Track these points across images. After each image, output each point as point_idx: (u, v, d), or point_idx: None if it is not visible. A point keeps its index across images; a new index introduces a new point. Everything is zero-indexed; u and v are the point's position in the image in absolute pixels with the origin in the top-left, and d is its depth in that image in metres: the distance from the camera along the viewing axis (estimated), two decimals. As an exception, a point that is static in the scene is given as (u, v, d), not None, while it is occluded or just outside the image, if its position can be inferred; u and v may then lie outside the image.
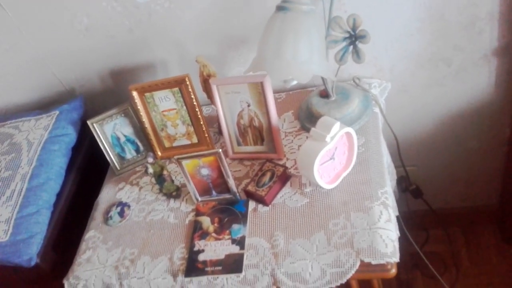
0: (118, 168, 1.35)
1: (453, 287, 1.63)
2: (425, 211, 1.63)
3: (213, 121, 1.38)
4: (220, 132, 1.32)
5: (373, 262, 0.93)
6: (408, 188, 1.56)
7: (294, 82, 0.99)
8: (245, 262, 1.01)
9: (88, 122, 1.31)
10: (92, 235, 1.21)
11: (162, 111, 1.28)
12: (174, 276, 1.05)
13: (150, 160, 1.19)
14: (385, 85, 1.32)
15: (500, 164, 1.53)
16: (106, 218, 1.23)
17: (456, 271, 1.66)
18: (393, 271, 0.94)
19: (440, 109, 1.40)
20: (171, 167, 1.31)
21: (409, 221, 1.41)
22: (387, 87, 1.32)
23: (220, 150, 1.07)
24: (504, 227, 1.68)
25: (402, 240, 1.05)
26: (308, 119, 1.24)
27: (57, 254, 1.20)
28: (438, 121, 1.43)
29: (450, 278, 1.64)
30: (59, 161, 1.31)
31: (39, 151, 1.31)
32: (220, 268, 1.02)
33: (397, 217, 1.28)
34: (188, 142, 1.31)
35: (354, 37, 1.04)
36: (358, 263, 0.94)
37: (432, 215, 1.64)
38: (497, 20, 1.17)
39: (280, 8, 0.97)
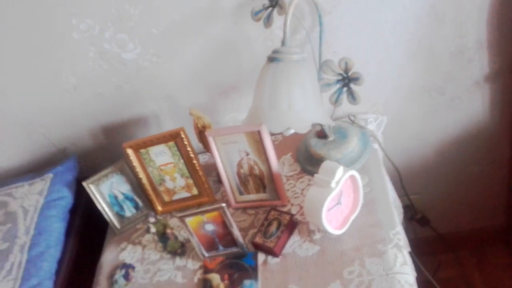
0: (119, 228, 1.32)
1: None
2: (433, 237, 1.61)
3: (211, 169, 1.35)
4: (219, 181, 1.30)
5: (395, 310, 0.90)
6: (414, 217, 1.54)
7: (292, 131, 0.98)
8: (261, 320, 0.98)
9: (84, 184, 1.28)
10: (98, 302, 1.16)
11: (159, 166, 1.26)
12: None
13: (152, 220, 1.16)
14: (381, 119, 1.31)
15: (503, 184, 1.52)
16: (112, 283, 1.18)
17: (471, 298, 1.63)
18: (415, 318, 0.91)
19: (437, 137, 1.40)
20: (173, 221, 1.27)
21: (418, 248, 1.39)
22: (383, 120, 1.32)
23: (224, 205, 1.05)
24: (513, 245, 1.67)
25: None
26: (308, 161, 1.23)
27: (63, 326, 1.16)
28: (437, 148, 1.43)
29: (466, 304, 1.62)
30: (58, 227, 1.27)
31: (36, 218, 1.27)
32: (235, 329, 0.99)
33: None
34: (188, 194, 1.29)
35: (348, 80, 1.03)
36: (379, 313, 0.91)
37: (440, 241, 1.62)
38: (486, 48, 1.18)
39: (271, 59, 0.96)
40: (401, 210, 1.32)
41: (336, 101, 1.09)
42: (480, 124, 1.34)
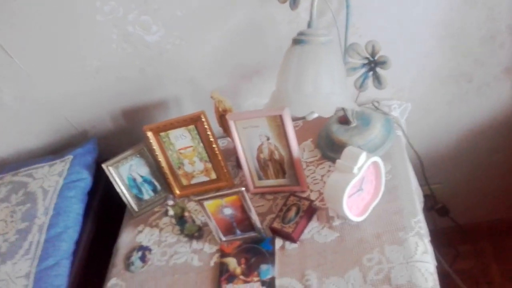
0: (136, 210, 1.32)
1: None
2: (452, 227, 1.58)
3: (230, 154, 1.34)
4: (238, 166, 1.29)
5: (415, 299, 0.88)
6: (434, 207, 1.51)
7: (316, 115, 0.95)
8: (278, 305, 0.97)
9: (103, 166, 1.28)
10: (114, 283, 1.17)
11: (179, 149, 1.25)
12: (204, 324, 1.01)
13: (170, 202, 1.15)
14: (405, 106, 1.28)
15: (527, 175, 1.48)
16: (128, 264, 1.19)
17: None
18: (435, 307, 0.89)
19: (463, 125, 1.36)
20: (191, 205, 1.27)
21: (436, 239, 1.36)
22: (408, 107, 1.28)
23: (243, 189, 1.04)
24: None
25: None
26: (329, 148, 1.20)
27: (80, 306, 1.17)
28: (461, 137, 1.39)
29: (483, 295, 1.59)
30: (76, 208, 1.28)
31: (55, 199, 1.28)
32: (252, 313, 0.98)
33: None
34: (207, 178, 1.28)
35: (374, 63, 1.00)
36: (398, 301, 0.89)
37: (459, 231, 1.59)
38: (518, 32, 1.14)
39: (297, 41, 0.94)
40: (421, 199, 1.29)
41: (361, 86, 1.06)
42: (507, 112, 1.30)
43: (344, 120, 1.19)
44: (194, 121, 1.19)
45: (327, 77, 0.92)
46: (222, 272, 1.07)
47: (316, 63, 0.91)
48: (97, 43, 1.23)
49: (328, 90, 0.91)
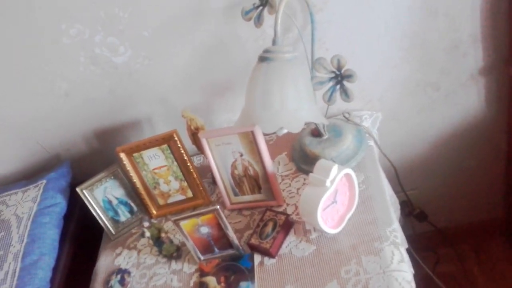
0: (113, 233, 1.30)
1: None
2: (431, 232, 1.60)
3: (206, 170, 1.34)
4: (214, 182, 1.29)
5: (393, 309, 0.89)
6: (412, 213, 1.53)
7: (285, 131, 0.96)
8: (258, 323, 0.97)
9: (77, 189, 1.26)
10: (94, 308, 1.15)
11: (153, 169, 1.24)
12: None
13: (146, 224, 1.15)
14: (375, 116, 1.30)
15: (500, 177, 1.51)
16: (107, 289, 1.17)
17: (472, 292, 1.62)
18: (413, 315, 0.90)
19: (434, 132, 1.39)
20: (168, 225, 1.26)
21: (417, 244, 1.38)
22: (378, 117, 1.30)
23: (218, 207, 1.03)
24: (513, 238, 1.66)
25: (412, 263, 1.01)
26: (303, 160, 1.21)
27: (60, 335, 1.14)
28: (433, 143, 1.42)
29: (466, 300, 1.61)
30: (52, 233, 1.25)
31: (29, 225, 1.25)
32: (233, 332, 0.97)
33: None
34: (183, 197, 1.27)
35: (341, 77, 1.02)
36: (377, 312, 0.90)
37: (439, 235, 1.61)
38: (480, 41, 1.17)
39: (262, 59, 0.95)
40: (398, 206, 1.31)
41: (329, 99, 1.07)
42: (476, 117, 1.33)
43: (316, 133, 1.21)
44: (167, 140, 1.18)
45: (293, 93, 0.92)
46: (202, 292, 1.06)
47: (282, 79, 0.92)
48: (64, 65, 1.22)
49: (295, 106, 0.92)
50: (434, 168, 1.49)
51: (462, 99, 1.29)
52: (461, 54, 1.19)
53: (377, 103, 1.31)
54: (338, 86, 1.04)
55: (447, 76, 1.24)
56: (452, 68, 1.22)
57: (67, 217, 1.33)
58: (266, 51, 0.94)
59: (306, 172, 1.19)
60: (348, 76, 1.00)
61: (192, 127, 1.19)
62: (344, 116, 1.25)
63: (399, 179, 1.36)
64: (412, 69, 1.23)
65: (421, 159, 1.46)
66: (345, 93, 1.03)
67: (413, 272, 0.99)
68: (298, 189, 1.18)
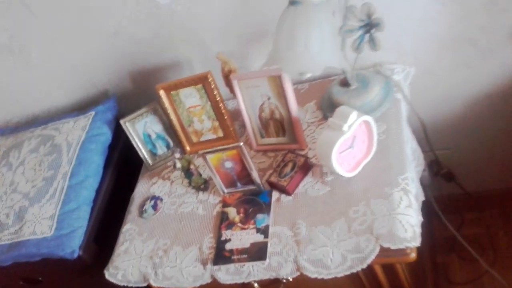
0: (151, 164, 1.42)
1: (491, 269, 1.60)
2: (460, 194, 1.60)
3: (238, 114, 1.40)
4: (244, 126, 1.35)
5: (393, 247, 0.94)
6: (439, 172, 1.54)
7: (309, 75, 1.00)
8: (269, 250, 1.05)
9: (121, 121, 1.38)
10: (129, 227, 1.28)
11: (188, 108, 1.33)
12: (204, 264, 1.11)
13: (177, 155, 1.25)
14: (408, 70, 1.30)
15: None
16: (141, 212, 1.30)
17: (494, 254, 1.62)
18: (413, 255, 0.95)
19: (468, 90, 1.37)
20: (199, 161, 1.35)
21: (444, 205, 1.40)
22: (411, 72, 1.30)
23: (242, 144, 1.11)
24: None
25: (437, 224, 1.02)
26: (329, 109, 1.25)
27: (98, 246, 1.29)
28: (467, 102, 1.40)
29: (487, 261, 1.60)
30: (97, 159, 1.39)
31: (77, 150, 1.40)
32: (245, 256, 1.07)
33: (430, 202, 1.28)
34: (214, 136, 1.36)
35: (369, 26, 1.04)
36: (377, 249, 0.95)
37: (467, 199, 1.61)
38: (520, -3, 1.13)
39: (292, 3, 0.99)
40: (421, 161, 1.32)
41: (357, 48, 1.10)
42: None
43: (345, 82, 1.24)
44: (202, 80, 1.26)
45: (318, 36, 0.96)
46: (223, 220, 1.16)
47: (308, 22, 0.96)
48: (112, 6, 1.32)
49: (318, 49, 0.96)
50: (467, 129, 1.47)
51: (500, 57, 1.26)
52: (499, 9, 1.16)
53: (411, 57, 1.30)
54: (367, 35, 1.06)
55: (485, 32, 1.21)
56: (490, 24, 1.19)
57: (112, 148, 1.46)
58: (296, -5, 0.98)
59: (330, 120, 1.23)
60: (377, 25, 1.02)
61: (226, 70, 1.26)
62: (375, 68, 1.27)
63: (427, 137, 1.36)
64: (448, 23, 1.21)
65: (454, 119, 1.45)
66: (373, 42, 1.06)
67: (422, 219, 1.03)
68: (321, 135, 1.23)
